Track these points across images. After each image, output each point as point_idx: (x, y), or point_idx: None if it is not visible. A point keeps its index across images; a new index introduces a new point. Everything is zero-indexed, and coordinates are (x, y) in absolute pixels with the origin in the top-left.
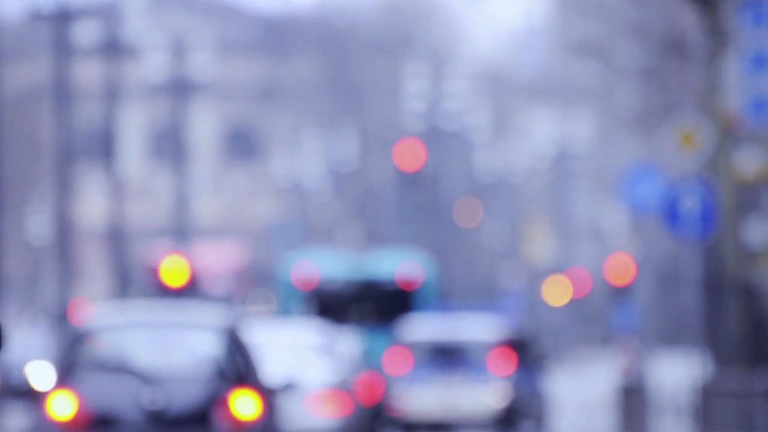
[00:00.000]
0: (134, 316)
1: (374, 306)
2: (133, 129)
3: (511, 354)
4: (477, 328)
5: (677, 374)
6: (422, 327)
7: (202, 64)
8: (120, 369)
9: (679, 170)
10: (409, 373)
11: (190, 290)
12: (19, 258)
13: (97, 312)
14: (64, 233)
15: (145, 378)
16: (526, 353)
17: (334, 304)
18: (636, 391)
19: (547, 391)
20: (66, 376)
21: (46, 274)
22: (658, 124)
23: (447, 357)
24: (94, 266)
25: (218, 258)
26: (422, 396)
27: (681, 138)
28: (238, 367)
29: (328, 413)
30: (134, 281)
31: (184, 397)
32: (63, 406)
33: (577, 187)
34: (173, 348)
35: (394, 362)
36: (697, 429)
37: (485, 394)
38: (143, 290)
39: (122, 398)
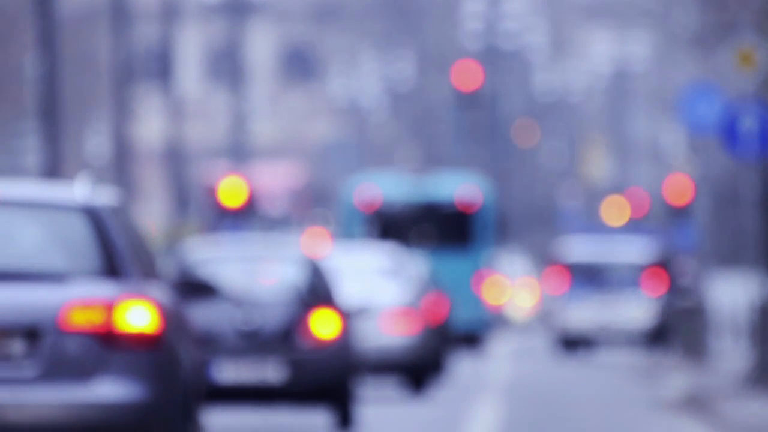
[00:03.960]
0: (229, 249)
1: (434, 228)
2: (191, 49)
3: (662, 274)
4: (630, 250)
5: (735, 294)
6: (578, 248)
7: None
8: (217, 295)
9: (738, 90)
10: (566, 292)
11: (248, 210)
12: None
13: (198, 246)
14: (123, 154)
15: (239, 303)
16: (671, 274)
17: (395, 227)
18: (695, 311)
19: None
20: None
21: None
22: (716, 44)
23: (602, 277)
24: (152, 187)
25: (276, 178)
26: (579, 314)
27: (739, 57)
28: (317, 292)
29: (400, 331)
30: (192, 201)
31: (271, 319)
32: None
33: (635, 107)
34: (262, 277)
35: (553, 282)
36: (755, 348)
37: (638, 313)
38: (201, 210)
39: (220, 320)
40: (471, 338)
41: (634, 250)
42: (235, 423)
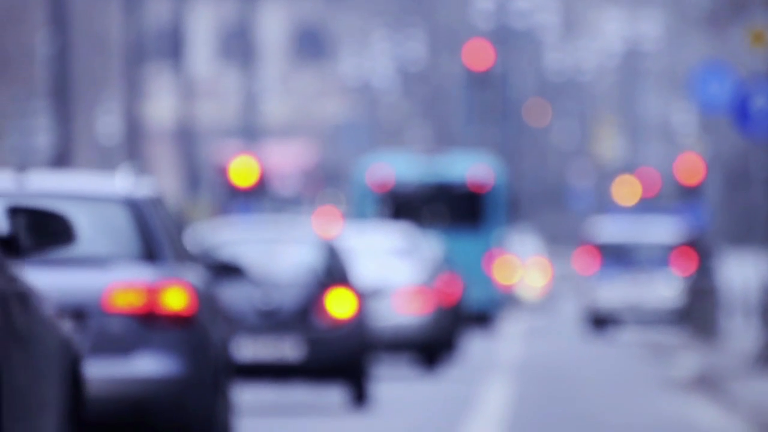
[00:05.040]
0: (246, 232)
1: (446, 208)
2: (202, 29)
3: (691, 254)
4: (660, 230)
5: (746, 273)
6: (609, 229)
7: None
8: (237, 276)
9: (749, 69)
10: (597, 272)
11: (259, 190)
12: (89, 158)
13: (216, 229)
14: (134, 133)
15: (258, 283)
16: (701, 253)
17: (408, 207)
18: (705, 291)
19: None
20: None
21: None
22: (728, 23)
23: (632, 257)
24: (163, 166)
25: (287, 158)
26: (609, 293)
27: (751, 36)
28: (333, 273)
29: (413, 310)
30: (203, 181)
31: (289, 299)
32: None
33: (646, 86)
34: (280, 258)
35: (584, 262)
36: (765, 328)
37: (668, 292)
38: (212, 190)
39: (239, 300)
40: (482, 317)
41: (664, 230)
42: (254, 399)
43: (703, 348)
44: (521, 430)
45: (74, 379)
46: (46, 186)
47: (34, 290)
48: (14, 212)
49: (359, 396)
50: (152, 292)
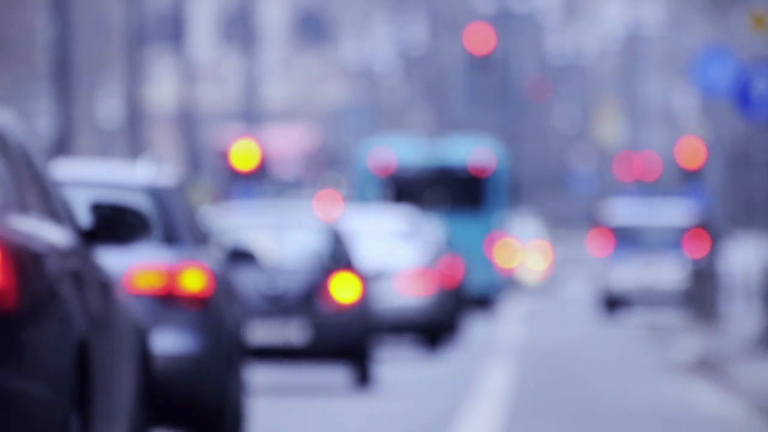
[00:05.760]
0: (251, 217)
1: (448, 192)
2: (204, 12)
3: (704, 236)
4: (673, 213)
5: (747, 257)
6: (622, 211)
7: None
8: (243, 261)
9: (751, 53)
10: (611, 254)
11: (261, 174)
12: (89, 142)
13: (225, 214)
14: (135, 117)
15: (263, 269)
16: (713, 236)
17: (409, 190)
18: (707, 274)
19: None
20: None
21: (117, 157)
22: (730, 7)
23: (645, 239)
24: (164, 150)
25: (288, 142)
26: (622, 275)
27: (753, 20)
28: (337, 258)
29: (415, 292)
30: (204, 165)
31: (294, 283)
32: None
33: (648, 69)
34: (285, 243)
35: (597, 244)
36: (766, 311)
37: (680, 274)
38: (213, 174)
39: (246, 285)
40: (483, 301)
41: (677, 213)
42: (259, 380)
43: (704, 331)
44: (522, 411)
45: (144, 358)
46: (72, 174)
47: (112, 278)
48: (95, 207)
49: (362, 377)
50: (171, 274)
